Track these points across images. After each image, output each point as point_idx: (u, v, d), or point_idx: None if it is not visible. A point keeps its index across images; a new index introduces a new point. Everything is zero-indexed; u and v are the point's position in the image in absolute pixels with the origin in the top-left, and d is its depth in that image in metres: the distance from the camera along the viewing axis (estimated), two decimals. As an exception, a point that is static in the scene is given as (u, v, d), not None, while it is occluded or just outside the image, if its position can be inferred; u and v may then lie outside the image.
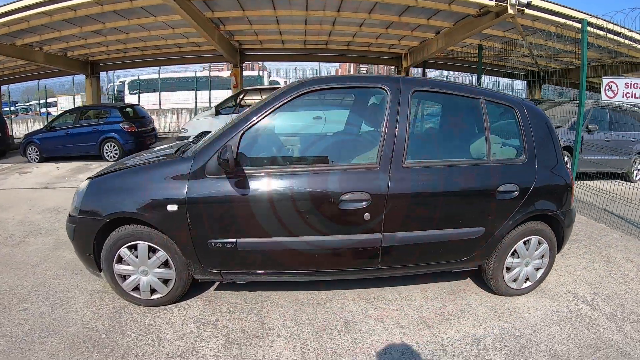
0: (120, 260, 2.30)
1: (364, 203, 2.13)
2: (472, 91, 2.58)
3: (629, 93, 4.01)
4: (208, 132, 6.18)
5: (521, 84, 14.83)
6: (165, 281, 2.37)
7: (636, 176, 6.71)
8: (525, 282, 2.70)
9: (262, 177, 2.13)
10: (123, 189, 2.23)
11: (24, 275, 2.85)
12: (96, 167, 6.60)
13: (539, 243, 2.63)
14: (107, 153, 8.17)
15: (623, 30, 5.88)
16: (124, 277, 2.35)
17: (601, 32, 5.45)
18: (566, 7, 5.70)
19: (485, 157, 2.47)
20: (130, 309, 2.40)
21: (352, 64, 29.88)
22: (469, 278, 2.90)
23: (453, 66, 12.51)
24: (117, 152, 8.14)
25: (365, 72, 32.62)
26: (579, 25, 4.49)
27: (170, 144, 3.26)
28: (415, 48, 10.45)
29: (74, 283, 2.74)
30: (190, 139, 3.18)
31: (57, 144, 8.33)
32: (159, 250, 2.28)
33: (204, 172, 2.12)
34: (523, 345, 2.13)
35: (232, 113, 7.63)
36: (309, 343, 2.04)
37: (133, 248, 2.28)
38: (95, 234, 2.24)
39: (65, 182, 6.03)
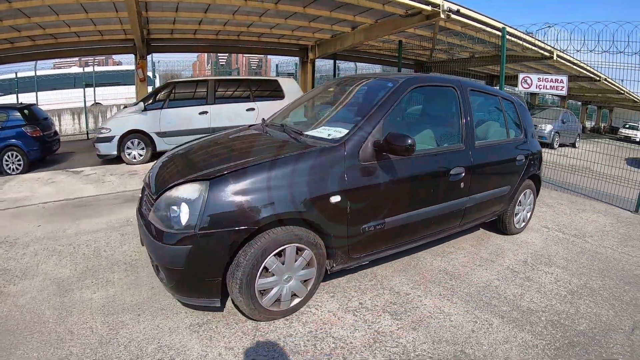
0: (264, 272, 2.10)
1: (462, 174, 2.94)
2: (495, 91, 3.66)
3: (541, 85, 5.82)
4: (141, 131, 6.03)
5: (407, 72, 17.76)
6: (305, 282, 2.32)
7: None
8: (522, 223, 3.99)
9: (399, 161, 2.47)
10: (269, 187, 2.02)
11: (64, 349, 1.96)
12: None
13: (531, 194, 3.95)
14: (7, 165, 6.75)
15: (527, 37, 8.08)
16: (264, 293, 2.15)
17: (514, 39, 7.41)
18: (488, 17, 7.50)
19: (506, 137, 3.59)
20: (279, 330, 2.16)
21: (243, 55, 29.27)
22: (480, 229, 4.03)
23: (363, 58, 14.03)
24: (21, 163, 6.82)
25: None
26: (499, 33, 6.13)
27: (240, 128, 3.30)
28: (326, 41, 11.35)
29: (153, 326, 2.17)
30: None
31: None
32: (305, 249, 2.20)
33: (357, 159, 2.28)
34: (548, 258, 3.34)
35: (162, 108, 7.25)
36: (439, 290, 2.75)
37: (279, 254, 2.13)
38: (232, 249, 1.97)
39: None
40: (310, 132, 2.58)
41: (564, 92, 5.62)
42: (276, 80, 7.67)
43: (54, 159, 7.83)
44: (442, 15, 6.94)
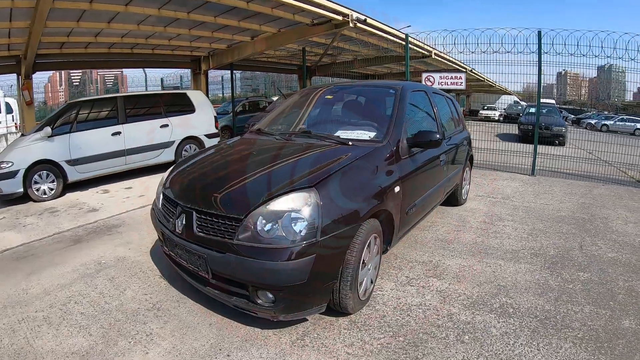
0: (362, 265, 2.36)
1: (444, 159, 3.76)
2: (441, 91, 4.64)
3: (443, 82, 7.27)
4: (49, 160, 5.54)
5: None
6: (375, 268, 2.64)
7: None
8: (466, 195, 5.14)
9: (420, 153, 3.10)
10: (360, 186, 2.37)
11: None
12: None
13: (468, 171, 5.12)
14: None
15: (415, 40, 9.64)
16: (360, 285, 2.39)
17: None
18: (390, 26, 8.83)
19: (454, 127, 4.61)
20: (372, 316, 2.43)
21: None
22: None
23: (261, 67, 14.47)
24: None
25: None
26: (403, 42, 7.40)
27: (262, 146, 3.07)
28: (222, 51, 11.41)
29: (258, 357, 2.12)
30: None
31: None
32: (377, 238, 2.54)
33: (399, 155, 2.80)
34: (498, 216, 4.46)
35: (70, 132, 6.55)
36: (449, 253, 3.47)
37: (368, 245, 2.40)
38: (346, 248, 2.19)
39: None
40: (345, 136, 2.93)
41: (463, 87, 7.18)
42: (185, 94, 7.56)
43: None
44: (350, 24, 7.97)
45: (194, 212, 2.26)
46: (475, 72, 13.04)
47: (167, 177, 2.90)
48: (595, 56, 6.67)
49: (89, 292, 2.80)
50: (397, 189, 2.69)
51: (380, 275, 3.00)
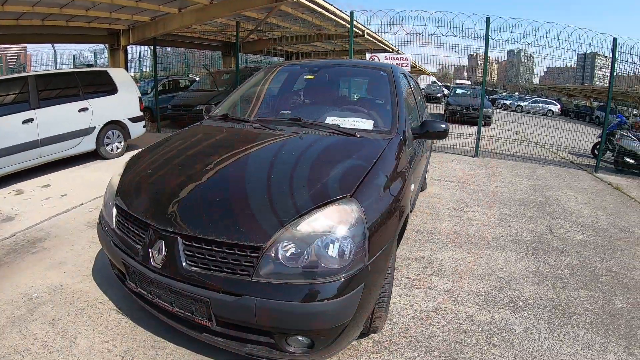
0: None
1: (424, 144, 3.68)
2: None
3: (389, 62, 7.26)
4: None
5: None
6: None
7: None
8: (428, 179, 5.22)
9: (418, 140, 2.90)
10: (393, 186, 2.07)
11: None
12: None
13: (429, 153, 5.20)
14: None
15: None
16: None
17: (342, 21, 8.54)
18: (331, 4, 8.45)
19: (426, 110, 4.56)
20: (395, 329, 2.25)
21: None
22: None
23: (187, 43, 13.08)
24: None
25: None
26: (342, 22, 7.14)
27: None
28: (144, 24, 10.13)
29: None
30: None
31: None
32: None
33: (405, 146, 2.49)
34: (463, 202, 4.60)
35: None
36: (434, 245, 3.44)
37: None
38: (388, 264, 1.97)
39: None
40: (344, 125, 2.52)
41: (408, 68, 7.24)
42: (106, 72, 6.48)
43: None
44: (292, -1, 7.50)
45: (180, 239, 1.65)
46: (401, 53, 13.55)
47: (120, 180, 2.17)
48: (505, 40, 7.27)
49: (27, 346, 1.98)
50: (412, 186, 2.50)
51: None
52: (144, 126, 6.71)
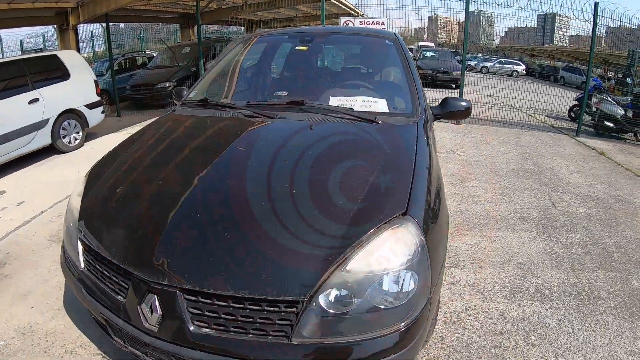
0: None
1: None
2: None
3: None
4: None
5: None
6: None
7: None
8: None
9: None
10: (438, 189, 1.75)
11: None
12: None
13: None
14: None
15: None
16: None
17: None
18: None
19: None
20: None
21: None
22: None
23: (142, 17, 11.87)
24: None
25: None
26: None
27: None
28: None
29: None
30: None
31: None
32: None
33: (428, 130, 2.07)
34: (461, 177, 4.50)
35: None
36: None
37: None
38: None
39: None
40: (358, 107, 2.09)
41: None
42: (55, 56, 5.69)
43: None
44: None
45: (180, 293, 1.21)
46: (366, 16, 13.08)
47: (82, 203, 1.64)
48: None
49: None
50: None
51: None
52: (103, 111, 6.04)
